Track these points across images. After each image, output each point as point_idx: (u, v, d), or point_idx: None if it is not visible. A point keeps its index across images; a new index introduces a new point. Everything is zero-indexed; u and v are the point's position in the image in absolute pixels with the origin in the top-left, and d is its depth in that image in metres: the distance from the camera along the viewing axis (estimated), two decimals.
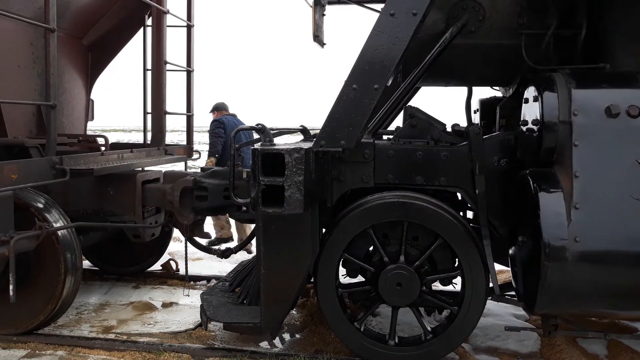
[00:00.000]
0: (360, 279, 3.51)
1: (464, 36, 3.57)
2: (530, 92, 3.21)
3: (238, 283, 3.81)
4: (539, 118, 3.01)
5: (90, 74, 5.60)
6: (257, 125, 3.34)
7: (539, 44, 3.49)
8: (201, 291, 4.21)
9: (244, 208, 3.82)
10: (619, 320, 3.90)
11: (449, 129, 3.65)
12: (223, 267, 5.17)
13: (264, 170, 3.03)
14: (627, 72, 3.10)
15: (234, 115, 6.37)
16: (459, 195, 3.59)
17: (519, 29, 3.53)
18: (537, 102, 3.05)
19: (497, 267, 3.57)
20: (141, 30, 5.52)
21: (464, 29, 3.55)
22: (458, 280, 3.33)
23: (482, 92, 4.65)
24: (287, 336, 3.82)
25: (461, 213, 3.64)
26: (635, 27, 3.21)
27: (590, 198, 2.78)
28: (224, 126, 6.08)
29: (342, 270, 3.44)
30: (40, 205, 3.64)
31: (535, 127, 3.06)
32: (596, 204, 2.78)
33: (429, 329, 3.29)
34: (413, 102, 4.56)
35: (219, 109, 6.43)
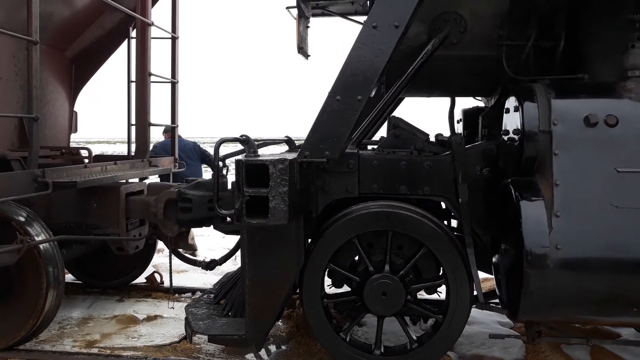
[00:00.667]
0: (345, 289, 3.52)
1: (446, 48, 3.62)
2: (511, 102, 3.27)
3: (223, 295, 3.78)
4: (519, 128, 3.05)
5: (74, 86, 5.58)
6: (241, 136, 3.35)
7: (519, 55, 3.55)
8: (186, 304, 4.17)
9: (229, 219, 3.81)
10: (602, 326, 3.95)
11: (432, 139, 3.70)
12: (208, 279, 5.14)
13: (248, 182, 3.03)
14: (605, 82, 3.17)
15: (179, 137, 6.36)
16: (442, 204, 3.62)
17: (499, 40, 3.59)
18: (518, 112, 3.10)
19: (482, 275, 3.61)
20: (125, 42, 5.52)
21: (445, 40, 3.60)
22: (443, 288, 3.35)
23: (465, 103, 4.73)
24: (273, 347, 3.80)
25: (445, 222, 3.67)
26: (612, 38, 3.28)
27: (571, 206, 2.82)
28: (156, 150, 6.17)
29: (327, 281, 3.45)
30: (22, 219, 3.59)
31: (516, 137, 3.11)
32: (576, 211, 2.82)
33: (414, 337, 3.30)
34: (397, 113, 4.61)
35: (167, 131, 6.44)
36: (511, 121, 3.22)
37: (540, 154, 2.97)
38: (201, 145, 7.01)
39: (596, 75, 3.28)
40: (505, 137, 3.28)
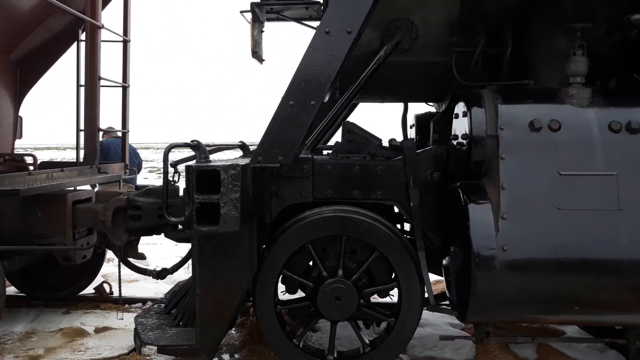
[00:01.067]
0: (300, 294, 3.49)
1: (399, 54, 3.68)
2: (460, 108, 3.33)
3: (174, 304, 3.69)
4: (468, 133, 3.12)
5: (19, 90, 5.36)
6: (192, 141, 3.28)
7: (468, 61, 3.64)
8: (136, 314, 4.05)
9: (180, 227, 3.72)
10: (548, 325, 4.07)
11: (386, 143, 3.73)
12: (159, 289, 5.01)
13: (199, 188, 2.97)
14: (549, 88, 3.28)
15: (116, 138, 6.34)
16: (395, 208, 3.65)
17: (450, 47, 3.67)
18: (467, 117, 3.16)
19: (434, 277, 3.66)
20: (74, 44, 5.35)
21: (397, 47, 3.66)
22: (395, 292, 3.37)
23: (420, 108, 4.80)
24: (226, 357, 3.73)
25: (398, 226, 3.71)
26: (555, 46, 3.40)
27: (516, 208, 2.90)
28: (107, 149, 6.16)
29: (281, 287, 3.41)
30: None
31: (464, 141, 3.17)
32: (522, 214, 2.89)
33: (367, 341, 3.30)
34: (353, 118, 4.65)
35: (107, 132, 6.36)
36: (460, 126, 3.29)
37: (488, 158, 3.04)
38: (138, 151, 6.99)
39: (541, 81, 3.40)
40: (455, 142, 3.34)
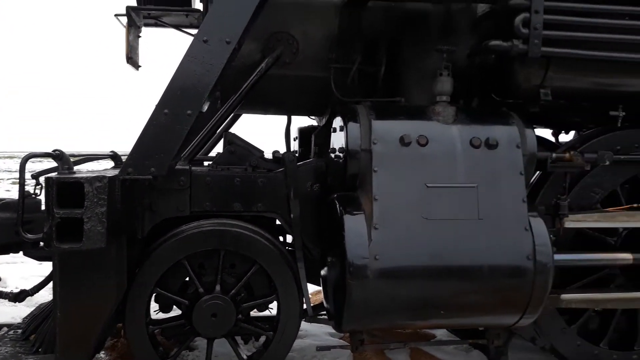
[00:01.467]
0: (175, 312, 3.34)
1: (280, 67, 3.70)
2: (337, 122, 3.42)
3: (33, 329, 3.35)
4: (344, 146, 3.20)
5: None
6: (53, 151, 3.02)
7: (346, 77, 3.75)
8: None
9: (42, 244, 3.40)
10: (420, 329, 4.29)
11: (270, 155, 3.72)
12: (18, 312, 4.53)
13: (60, 202, 2.73)
14: (419, 105, 3.47)
15: None
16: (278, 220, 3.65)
17: (329, 62, 3.75)
18: (343, 132, 3.25)
19: (316, 288, 3.70)
20: None
21: (279, 60, 3.67)
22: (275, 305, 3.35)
23: (305, 121, 4.86)
24: None
25: (281, 238, 3.70)
26: (424, 66, 3.61)
27: (388, 219, 3.02)
28: None
29: (155, 306, 3.24)
30: None
31: (341, 155, 3.26)
32: (393, 224, 3.02)
33: (244, 357, 3.24)
34: (238, 129, 4.59)
35: None
36: (337, 140, 3.37)
37: (362, 171, 3.14)
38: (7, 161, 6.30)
39: (412, 99, 3.59)
40: (333, 155, 3.42)
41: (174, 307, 3.34)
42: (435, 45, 3.40)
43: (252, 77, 3.57)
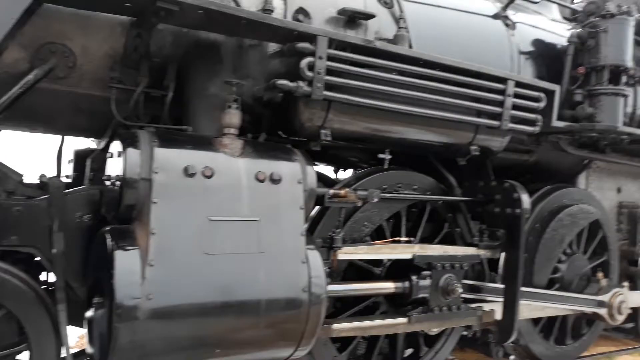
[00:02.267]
0: None
1: (52, 81, 3.30)
2: (115, 147, 3.16)
3: None
4: (120, 174, 2.96)
5: None
6: None
7: (129, 100, 3.50)
8: None
9: None
10: None
11: (37, 179, 3.25)
12: None
13: None
14: (205, 136, 3.39)
15: None
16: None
17: (110, 82, 3.47)
18: (121, 158, 3.01)
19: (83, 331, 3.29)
20: None
21: (51, 72, 3.27)
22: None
23: (85, 143, 4.40)
24: None
25: (42, 276, 3.23)
26: (214, 97, 3.57)
27: (166, 254, 2.85)
28: None
29: None
30: None
31: (117, 183, 3.00)
32: (171, 260, 2.86)
33: None
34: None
35: None
36: (114, 167, 3.11)
37: (140, 202, 2.93)
38: None
39: (199, 128, 3.49)
40: (108, 183, 3.13)
41: None
42: (226, 77, 3.40)
43: (15, 88, 3.12)
